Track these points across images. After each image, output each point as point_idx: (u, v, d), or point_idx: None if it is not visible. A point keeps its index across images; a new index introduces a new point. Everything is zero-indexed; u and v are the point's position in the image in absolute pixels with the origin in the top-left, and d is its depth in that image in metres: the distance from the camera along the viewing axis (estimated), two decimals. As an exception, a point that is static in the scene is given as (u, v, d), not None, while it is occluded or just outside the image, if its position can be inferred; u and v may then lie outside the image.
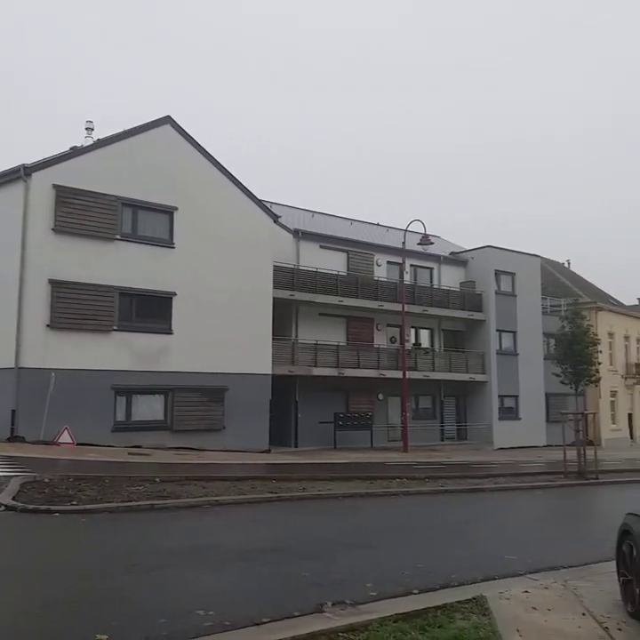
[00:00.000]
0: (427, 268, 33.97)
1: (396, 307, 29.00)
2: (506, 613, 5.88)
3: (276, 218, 26.19)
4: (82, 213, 21.01)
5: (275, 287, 25.76)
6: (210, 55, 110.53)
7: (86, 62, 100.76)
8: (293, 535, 9.68)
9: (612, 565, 6.66)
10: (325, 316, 29.18)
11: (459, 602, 6.19)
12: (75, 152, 21.68)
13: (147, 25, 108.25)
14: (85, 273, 20.87)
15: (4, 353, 19.90)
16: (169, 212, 23.06)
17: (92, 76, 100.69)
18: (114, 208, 21.74)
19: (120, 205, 21.90)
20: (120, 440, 20.71)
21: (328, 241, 30.03)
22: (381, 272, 31.46)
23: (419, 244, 28.15)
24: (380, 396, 30.85)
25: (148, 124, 23.00)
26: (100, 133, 23.54)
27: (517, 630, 5.44)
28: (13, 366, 19.74)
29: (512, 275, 35.49)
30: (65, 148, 22.11)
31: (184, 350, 22.63)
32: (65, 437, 19.40)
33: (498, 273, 34.99)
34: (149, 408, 22.32)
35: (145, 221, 22.66)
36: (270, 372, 24.99)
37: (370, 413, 29.39)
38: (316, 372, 27.30)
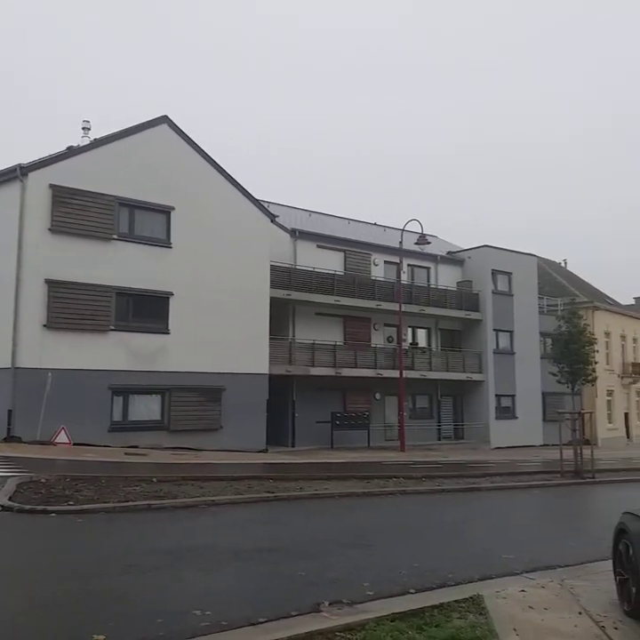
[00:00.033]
0: (424, 267, 33.99)
1: (394, 306, 29.01)
2: (502, 612, 5.89)
3: (273, 217, 26.18)
4: (79, 213, 20.97)
5: (272, 287, 25.75)
6: (210, 55, 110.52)
7: (86, 62, 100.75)
8: (290, 535, 9.68)
9: (609, 564, 6.69)
10: (322, 316, 29.18)
11: (456, 601, 6.20)
12: (71, 152, 21.63)
13: (147, 25, 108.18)
14: (82, 273, 20.83)
15: (1, 353, 19.86)
16: (166, 211, 23.03)
17: (92, 76, 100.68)
18: (111, 208, 21.70)
19: (117, 205, 21.86)
20: (117, 440, 20.68)
21: (325, 240, 30.03)
22: (378, 272, 31.46)
23: (416, 243, 28.17)
24: (378, 396, 30.86)
25: (144, 123, 22.96)
26: (100, 133, 23.53)
27: (514, 629, 5.45)
28: (10, 366, 19.70)
29: (509, 274, 35.55)
30: (63, 147, 22.06)
31: (181, 350, 22.60)
32: (62, 437, 19.36)
33: (495, 272, 35.03)
34: (146, 408, 22.29)
35: (142, 221, 22.63)
36: (267, 372, 24.98)
37: (367, 413, 29.40)
38: (314, 371, 27.30)
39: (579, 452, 18.86)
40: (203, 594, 6.20)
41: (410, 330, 32.61)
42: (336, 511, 12.25)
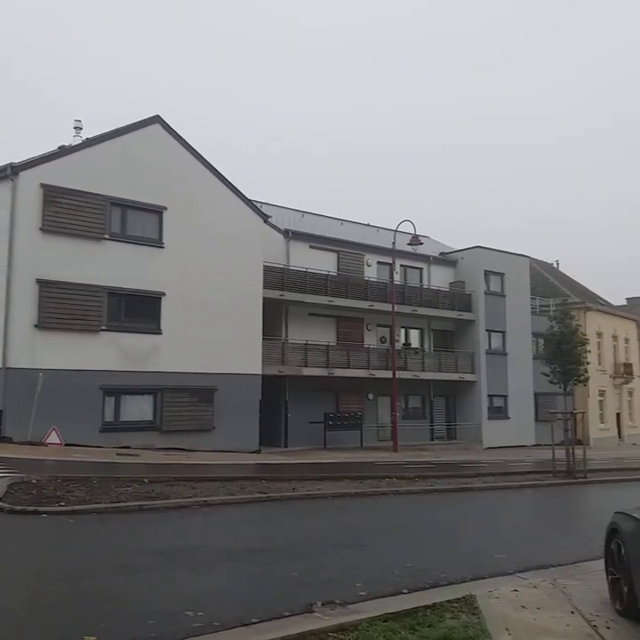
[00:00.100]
0: (416, 268, 34.03)
1: (386, 307, 29.04)
2: (495, 612, 5.90)
3: (265, 218, 26.16)
4: (70, 213, 20.87)
5: (265, 287, 25.72)
6: (210, 55, 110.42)
7: (86, 62, 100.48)
8: (283, 535, 9.66)
9: (601, 564, 6.70)
10: (315, 316, 29.17)
11: (448, 601, 6.20)
12: (63, 151, 21.53)
13: (147, 25, 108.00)
14: (74, 273, 20.74)
15: (-8, 353, 19.76)
16: (158, 211, 22.96)
17: (92, 76, 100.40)
18: (102, 208, 21.61)
19: (109, 205, 21.78)
20: (109, 441, 20.60)
21: (318, 241, 30.03)
22: (371, 272, 31.49)
23: (408, 244, 28.22)
24: (370, 396, 30.87)
25: (136, 123, 22.89)
26: (96, 133, 23.41)
27: (506, 629, 5.45)
28: (0, 366, 19.58)
29: (501, 275, 35.65)
30: (57, 147, 21.96)
31: (173, 350, 22.54)
32: (53, 438, 19.25)
33: (487, 273, 35.13)
34: (138, 408, 22.21)
35: (134, 221, 22.55)
36: (260, 372, 24.95)
37: (360, 413, 29.41)
38: (306, 372, 27.29)
39: (571, 452, 18.91)
40: (195, 594, 6.18)
41: (403, 330, 32.65)
42: (329, 511, 12.24)
